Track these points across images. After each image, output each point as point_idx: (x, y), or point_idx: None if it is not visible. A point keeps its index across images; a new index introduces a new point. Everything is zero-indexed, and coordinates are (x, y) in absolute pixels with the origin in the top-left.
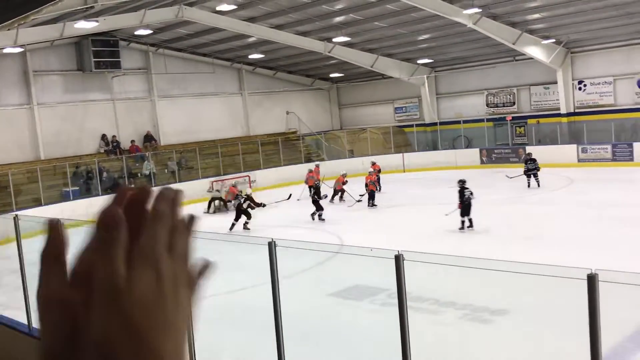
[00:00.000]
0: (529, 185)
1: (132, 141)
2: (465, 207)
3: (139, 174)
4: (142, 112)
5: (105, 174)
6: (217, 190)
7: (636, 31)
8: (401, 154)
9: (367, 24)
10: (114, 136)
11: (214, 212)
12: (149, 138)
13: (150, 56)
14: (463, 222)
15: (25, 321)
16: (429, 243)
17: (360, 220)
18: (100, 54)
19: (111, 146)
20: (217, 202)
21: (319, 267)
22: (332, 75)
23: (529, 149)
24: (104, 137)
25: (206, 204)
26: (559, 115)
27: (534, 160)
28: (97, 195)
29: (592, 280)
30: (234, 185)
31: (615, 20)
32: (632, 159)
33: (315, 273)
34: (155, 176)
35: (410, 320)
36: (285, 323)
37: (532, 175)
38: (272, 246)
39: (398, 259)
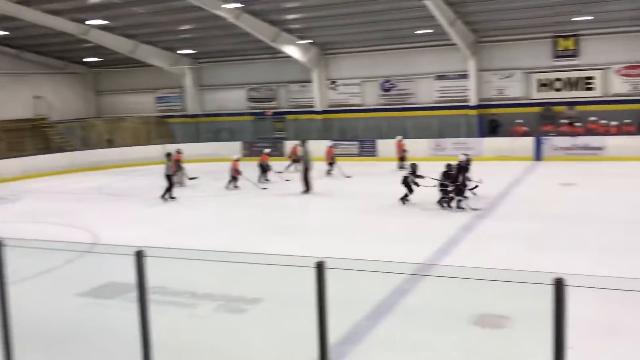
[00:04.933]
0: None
1: None
2: None
3: None
4: None
5: None
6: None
7: (380, 38)
8: (163, 145)
9: (125, 9)
10: None
11: None
12: None
13: None
14: None
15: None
16: (185, 237)
17: (118, 213)
18: None
19: None
20: None
21: (70, 266)
22: (88, 59)
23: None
24: None
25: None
26: (314, 112)
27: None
28: None
29: (320, 268)
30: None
31: (363, 27)
32: (375, 155)
33: (65, 272)
34: None
35: (165, 314)
36: (28, 328)
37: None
38: None
39: (139, 255)
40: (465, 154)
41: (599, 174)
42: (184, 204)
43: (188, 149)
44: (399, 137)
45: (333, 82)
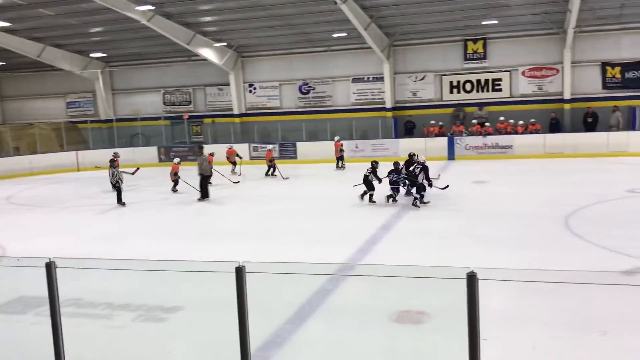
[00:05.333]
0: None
1: None
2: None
3: None
4: None
5: None
6: None
7: (296, 41)
8: (75, 152)
9: (31, 10)
10: None
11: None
12: None
13: None
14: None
15: None
16: (102, 246)
17: (28, 223)
18: None
19: None
20: None
21: None
22: None
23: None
24: None
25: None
26: (232, 115)
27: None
28: None
29: (239, 272)
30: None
31: (279, 30)
32: (295, 157)
33: None
34: None
35: (81, 327)
36: None
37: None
38: None
39: (49, 267)
40: (414, 154)
41: (508, 172)
42: (101, 212)
43: (102, 155)
44: (337, 138)
45: (251, 85)
